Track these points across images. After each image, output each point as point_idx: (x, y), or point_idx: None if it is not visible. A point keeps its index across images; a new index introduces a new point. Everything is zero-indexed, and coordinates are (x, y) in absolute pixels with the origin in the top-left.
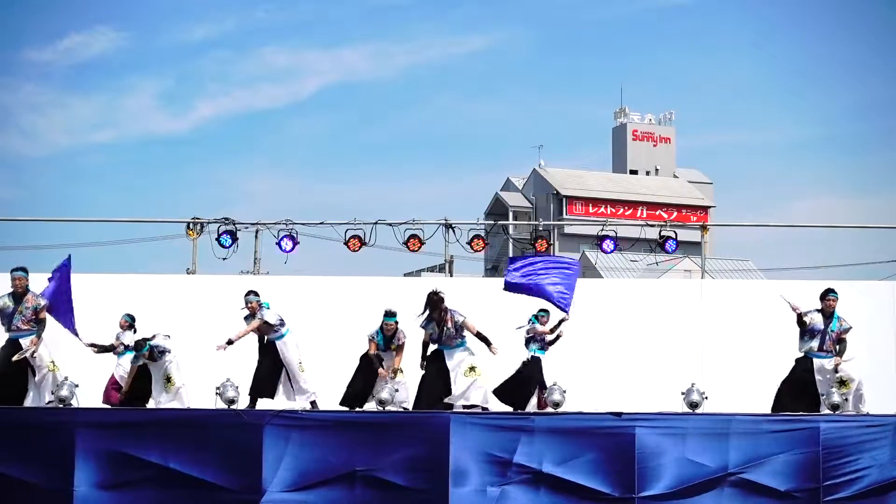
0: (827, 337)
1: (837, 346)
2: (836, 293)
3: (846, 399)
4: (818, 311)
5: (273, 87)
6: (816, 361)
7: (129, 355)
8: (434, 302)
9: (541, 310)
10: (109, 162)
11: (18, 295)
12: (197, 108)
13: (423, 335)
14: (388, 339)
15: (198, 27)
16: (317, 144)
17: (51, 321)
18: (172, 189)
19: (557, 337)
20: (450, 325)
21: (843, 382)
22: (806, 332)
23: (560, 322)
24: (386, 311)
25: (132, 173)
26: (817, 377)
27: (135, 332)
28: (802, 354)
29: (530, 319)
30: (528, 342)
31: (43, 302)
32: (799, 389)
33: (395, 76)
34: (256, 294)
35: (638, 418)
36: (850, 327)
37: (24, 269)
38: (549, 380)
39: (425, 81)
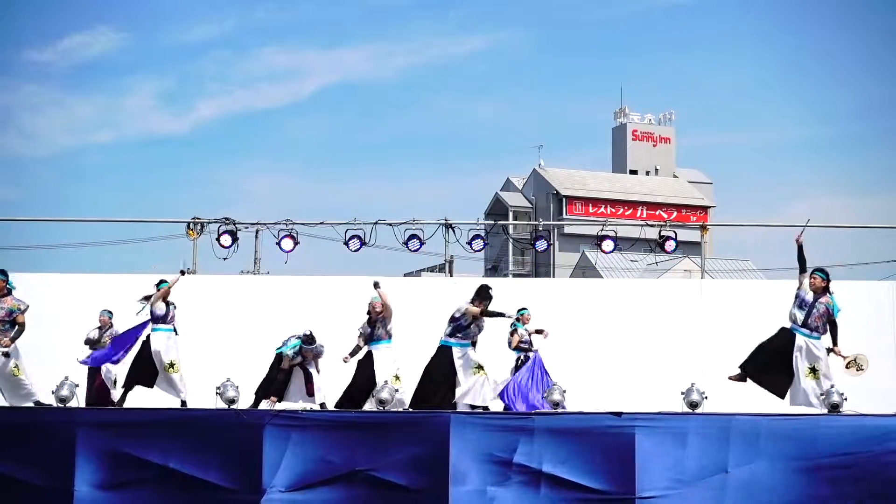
0: (814, 311)
1: (827, 327)
2: (823, 274)
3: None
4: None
5: (273, 87)
6: (798, 337)
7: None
8: (489, 297)
9: (519, 310)
10: (109, 162)
11: None
12: (197, 108)
13: (469, 308)
14: (373, 321)
15: (198, 27)
16: (317, 144)
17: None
18: (172, 189)
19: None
20: (482, 321)
21: (813, 370)
22: (796, 301)
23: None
24: (374, 283)
25: (132, 173)
26: (796, 353)
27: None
28: (788, 326)
29: (514, 325)
30: (517, 347)
31: (23, 306)
32: (776, 359)
33: (394, 76)
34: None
35: (638, 418)
36: (838, 311)
37: (3, 272)
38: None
39: (425, 81)
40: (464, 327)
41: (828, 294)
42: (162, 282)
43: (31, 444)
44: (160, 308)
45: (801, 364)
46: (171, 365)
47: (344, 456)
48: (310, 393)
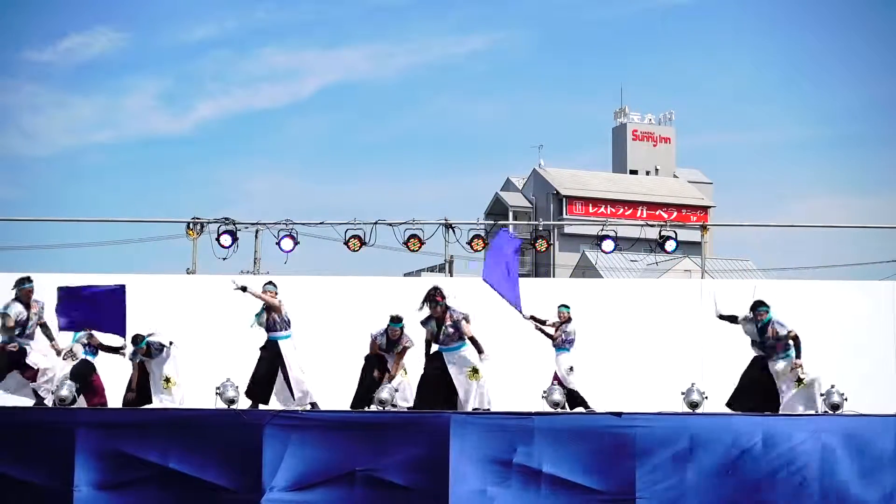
0: (766, 339)
1: (783, 347)
2: (766, 307)
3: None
4: (751, 320)
5: (273, 87)
6: (769, 362)
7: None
8: (430, 296)
9: (560, 306)
10: (109, 162)
11: (27, 303)
12: (197, 108)
13: (426, 334)
14: (392, 342)
15: (198, 27)
16: (317, 144)
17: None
18: (172, 189)
19: (556, 331)
20: (448, 322)
21: (800, 380)
22: (752, 343)
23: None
24: (392, 317)
25: (132, 173)
26: (774, 375)
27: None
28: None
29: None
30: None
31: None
32: (755, 387)
33: (395, 76)
34: (275, 286)
35: (638, 418)
36: (791, 331)
37: (29, 279)
38: (549, 380)
39: (425, 81)
40: (435, 335)
41: (763, 312)
42: (140, 339)
43: (31, 444)
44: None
45: (786, 382)
46: (167, 380)
47: (344, 456)
48: (296, 395)
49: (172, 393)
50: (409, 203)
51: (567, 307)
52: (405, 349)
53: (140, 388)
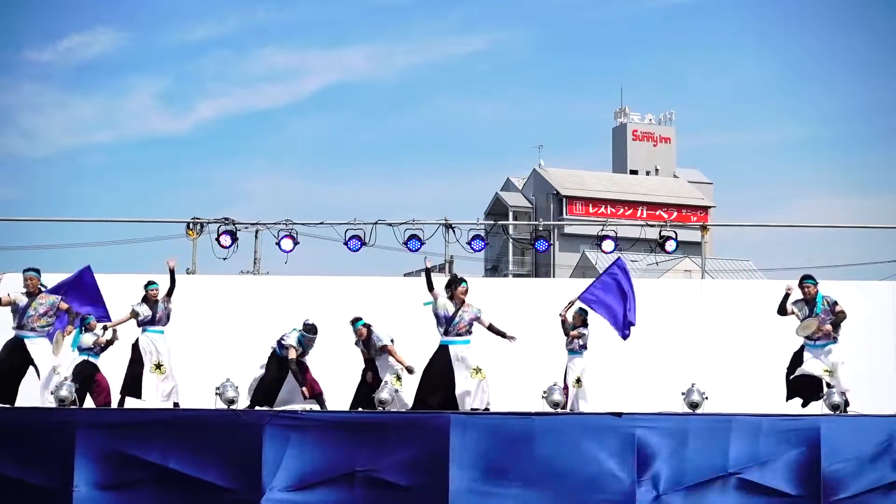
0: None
1: (832, 325)
2: (813, 280)
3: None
4: (801, 300)
5: (273, 87)
6: (807, 352)
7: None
8: (455, 282)
9: (580, 308)
10: (109, 162)
11: (32, 294)
12: (197, 108)
13: (433, 303)
14: (366, 342)
15: (198, 27)
16: (317, 144)
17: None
18: (172, 189)
19: (573, 331)
20: (465, 314)
21: (830, 372)
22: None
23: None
24: (351, 322)
25: (132, 173)
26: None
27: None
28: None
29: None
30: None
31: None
32: (802, 380)
33: (394, 76)
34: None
35: (638, 418)
36: (836, 301)
37: (37, 270)
38: (549, 380)
39: (425, 81)
40: (446, 320)
41: (817, 300)
42: (150, 283)
43: (31, 444)
44: (146, 310)
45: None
46: (158, 366)
47: (344, 456)
48: (310, 394)
49: (161, 377)
50: (409, 203)
51: (586, 310)
52: (387, 347)
53: (132, 378)
